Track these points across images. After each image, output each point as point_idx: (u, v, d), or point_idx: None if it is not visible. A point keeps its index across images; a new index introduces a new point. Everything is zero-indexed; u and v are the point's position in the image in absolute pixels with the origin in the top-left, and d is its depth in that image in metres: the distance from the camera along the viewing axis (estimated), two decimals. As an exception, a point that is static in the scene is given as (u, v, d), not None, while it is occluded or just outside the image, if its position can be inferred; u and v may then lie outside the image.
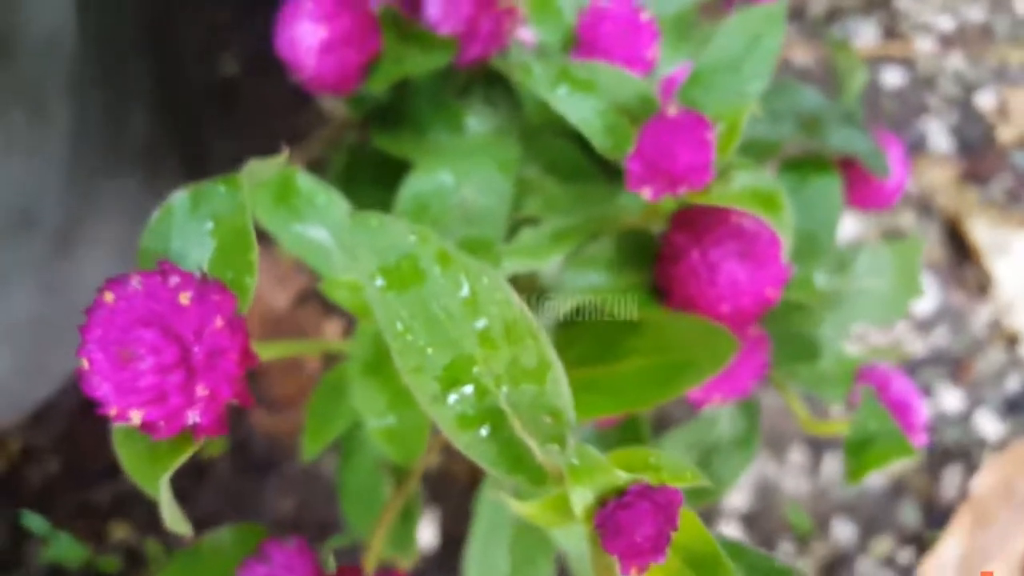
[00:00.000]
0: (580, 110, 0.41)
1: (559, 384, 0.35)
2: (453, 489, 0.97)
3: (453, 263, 0.34)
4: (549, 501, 0.33)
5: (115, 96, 0.82)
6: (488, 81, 0.55)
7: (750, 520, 1.05)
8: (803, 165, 0.56)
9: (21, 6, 0.62)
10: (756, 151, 0.54)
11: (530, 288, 0.57)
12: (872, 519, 1.07)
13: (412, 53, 0.51)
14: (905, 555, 1.06)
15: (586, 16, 0.46)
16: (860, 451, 0.42)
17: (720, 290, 0.43)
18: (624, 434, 0.55)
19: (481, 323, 0.34)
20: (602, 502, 0.32)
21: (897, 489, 1.09)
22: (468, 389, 0.33)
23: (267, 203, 0.49)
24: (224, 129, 1.05)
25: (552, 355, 0.34)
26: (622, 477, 0.32)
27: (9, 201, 0.72)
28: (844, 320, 0.58)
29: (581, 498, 0.31)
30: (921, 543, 1.07)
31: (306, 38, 0.50)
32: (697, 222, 0.44)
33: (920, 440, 0.44)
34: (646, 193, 0.40)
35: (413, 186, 0.51)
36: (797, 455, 1.07)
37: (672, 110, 0.40)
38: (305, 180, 0.47)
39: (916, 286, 0.62)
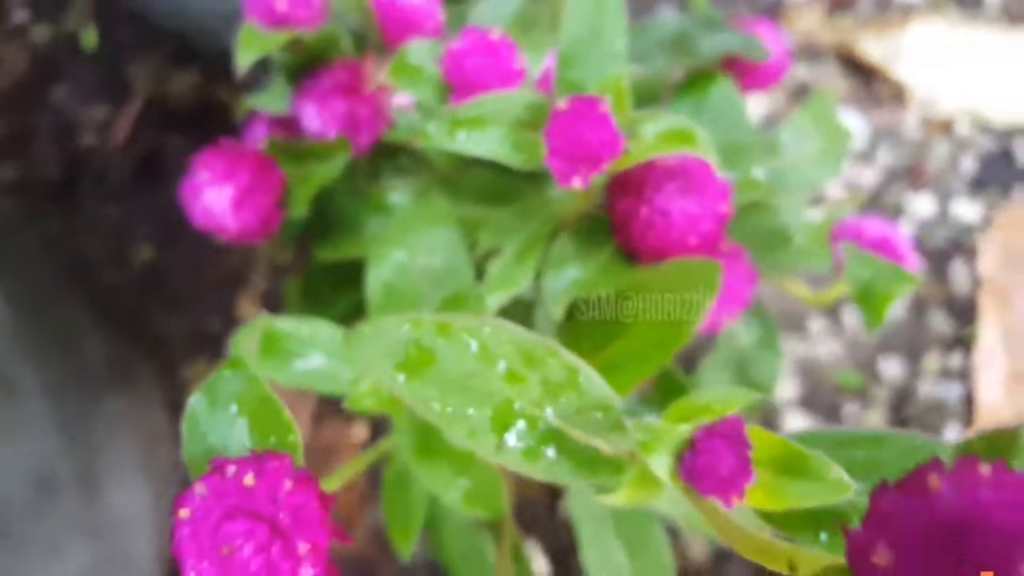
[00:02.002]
0: (484, 145, 0.44)
1: (592, 380, 0.37)
2: (538, 513, 0.99)
3: (452, 329, 0.36)
4: (636, 481, 0.35)
5: (61, 340, 0.83)
6: (390, 155, 0.58)
7: (808, 401, 1.08)
8: (694, 82, 0.59)
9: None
10: (646, 95, 0.57)
11: (521, 306, 0.59)
12: (910, 344, 1.11)
13: (313, 168, 0.54)
14: (955, 360, 1.10)
15: (446, 62, 0.48)
16: (867, 299, 0.45)
17: (679, 228, 0.46)
18: (663, 388, 0.57)
19: (502, 366, 0.36)
20: (679, 458, 0.34)
21: (918, 307, 1.12)
22: (520, 425, 0.35)
23: (256, 358, 0.51)
24: (170, 309, 1.07)
25: (573, 359, 0.37)
26: (685, 430, 0.34)
27: (26, 476, 0.73)
28: (795, 195, 0.62)
29: (661, 465, 0.34)
30: (963, 342, 1.10)
31: (217, 203, 0.52)
32: (631, 183, 0.46)
33: (912, 264, 0.47)
34: (577, 183, 0.43)
35: (374, 278, 0.53)
36: (817, 325, 1.10)
37: (561, 103, 0.43)
38: (285, 323, 0.49)
39: (841, 133, 0.65)
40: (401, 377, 0.35)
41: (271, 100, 0.58)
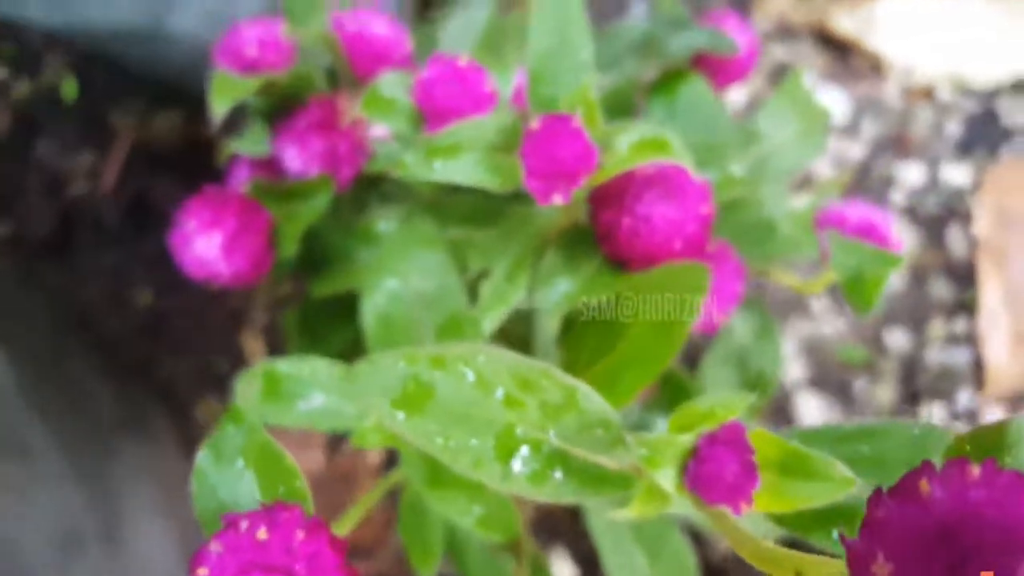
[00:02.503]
0: (461, 172, 0.44)
1: (590, 397, 0.37)
2: (562, 520, 0.99)
3: (447, 361, 0.36)
4: (644, 495, 0.35)
5: (70, 394, 0.84)
6: (373, 185, 0.58)
7: (818, 381, 1.09)
8: (666, 83, 0.59)
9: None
10: (620, 101, 0.57)
11: (519, 322, 0.60)
12: (913, 314, 1.11)
13: (298, 207, 0.54)
14: (960, 325, 1.10)
15: (417, 92, 0.49)
16: (855, 286, 0.45)
17: (663, 234, 0.46)
18: (669, 391, 0.58)
19: (499, 393, 0.36)
20: (683, 468, 0.35)
21: (917, 276, 1.12)
22: (524, 450, 0.36)
23: (259, 402, 0.51)
24: (175, 352, 1.07)
25: (568, 379, 0.37)
26: (687, 440, 0.34)
27: (50, 533, 0.74)
28: (779, 181, 0.62)
29: (666, 478, 0.34)
30: (965, 306, 1.10)
31: (207, 251, 0.53)
32: (612, 194, 0.47)
33: (898, 247, 0.47)
34: (557, 200, 0.43)
35: (369, 308, 0.53)
36: (819, 304, 1.11)
37: (533, 123, 0.43)
38: (285, 365, 0.49)
39: (819, 112, 0.66)
40: (401, 415, 0.35)
41: (251, 143, 0.59)
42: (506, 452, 0.35)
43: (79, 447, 0.81)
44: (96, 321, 1.07)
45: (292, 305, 1.02)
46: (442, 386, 0.36)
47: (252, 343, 1.08)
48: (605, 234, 0.48)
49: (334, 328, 0.63)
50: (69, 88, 1.15)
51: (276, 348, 1.05)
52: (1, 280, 1.01)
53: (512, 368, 0.36)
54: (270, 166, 0.59)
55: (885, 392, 1.10)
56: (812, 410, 1.08)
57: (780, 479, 0.33)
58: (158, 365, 1.06)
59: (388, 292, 0.54)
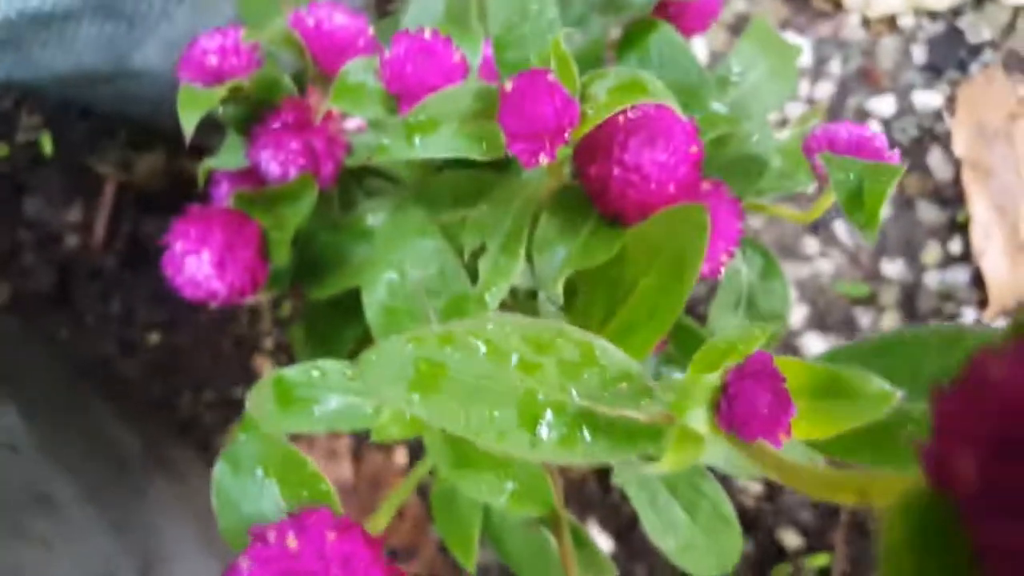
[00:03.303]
0: (441, 145, 0.43)
1: (607, 351, 0.36)
2: (592, 492, 0.98)
3: (456, 336, 0.35)
4: (677, 443, 0.34)
5: (89, 442, 0.83)
6: (358, 179, 0.57)
7: (820, 322, 1.08)
8: (634, 36, 0.58)
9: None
10: (589, 61, 0.56)
11: (525, 296, 0.59)
12: (907, 241, 1.10)
13: (284, 212, 0.53)
14: (955, 246, 1.09)
15: (386, 73, 0.48)
16: (857, 203, 0.44)
17: (656, 180, 0.45)
18: (682, 343, 0.57)
19: (514, 359, 0.35)
20: (715, 408, 0.34)
21: (905, 203, 1.11)
22: (548, 415, 0.35)
23: (274, 413, 0.50)
24: (190, 385, 1.07)
25: (582, 334, 0.36)
26: (714, 378, 0.33)
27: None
28: (758, 120, 0.61)
29: (698, 419, 0.33)
30: (957, 226, 1.09)
31: (199, 270, 0.52)
32: (597, 147, 0.46)
33: (893, 157, 0.46)
34: (544, 161, 0.42)
35: (371, 303, 0.52)
36: (811, 246, 1.10)
37: (507, 84, 0.42)
38: (293, 371, 0.48)
39: (788, 48, 0.65)
40: (416, 397, 0.34)
41: (229, 157, 0.58)
42: (530, 419, 0.35)
43: (106, 494, 0.80)
44: (108, 367, 1.07)
45: (298, 321, 1.02)
46: (454, 362, 0.35)
47: (265, 365, 1.08)
48: (597, 190, 0.47)
49: (341, 331, 0.62)
50: (46, 143, 1.14)
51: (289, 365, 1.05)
52: (8, 340, 1.00)
53: (524, 331, 0.35)
54: (251, 176, 0.58)
55: (890, 322, 1.10)
56: (820, 350, 1.08)
57: (815, 403, 0.33)
58: (176, 401, 1.06)
59: (388, 285, 0.53)
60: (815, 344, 1.07)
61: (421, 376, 0.35)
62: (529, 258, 0.50)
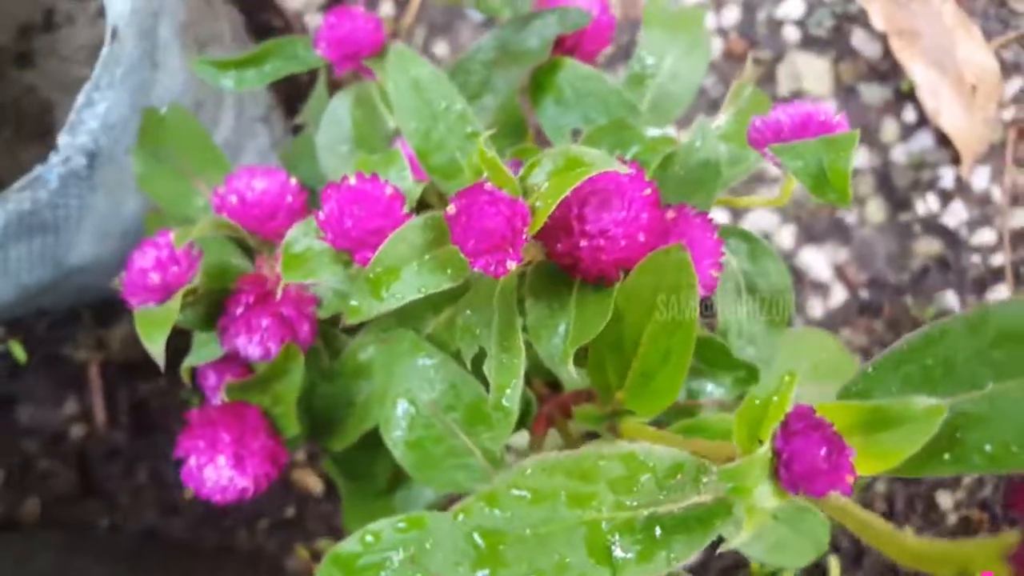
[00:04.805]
0: (410, 287, 0.43)
1: (649, 452, 0.36)
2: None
3: (498, 495, 0.35)
4: (750, 518, 0.34)
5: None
6: (334, 322, 0.56)
7: (807, 233, 1.08)
8: (541, 78, 0.58)
9: None
10: (510, 123, 0.55)
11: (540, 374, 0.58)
12: (864, 127, 1.11)
13: (278, 388, 0.53)
14: (909, 114, 1.10)
15: (329, 235, 0.46)
16: (822, 184, 0.43)
17: (624, 235, 0.44)
18: (701, 355, 0.56)
19: (563, 497, 0.35)
20: (775, 473, 0.33)
21: (847, 91, 1.11)
22: (617, 538, 0.34)
23: None
24: (242, 520, 1.07)
25: (619, 446, 0.35)
26: (764, 450, 0.33)
27: None
28: (685, 97, 0.61)
29: (764, 496, 0.33)
30: (904, 94, 1.10)
31: (220, 477, 0.51)
32: (555, 226, 0.45)
33: (842, 127, 0.46)
34: (512, 266, 0.41)
35: (394, 441, 0.53)
36: (775, 169, 1.09)
37: (450, 209, 0.41)
38: (347, 544, 0.47)
39: (692, 18, 0.64)
40: (485, 573, 0.34)
41: (206, 351, 0.57)
42: (602, 550, 0.34)
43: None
44: (162, 529, 1.07)
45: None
46: (507, 522, 0.34)
47: (308, 479, 1.08)
48: (570, 264, 0.46)
49: (371, 467, 0.61)
50: (17, 351, 1.13)
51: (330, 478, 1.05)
52: (60, 557, 1.00)
53: (565, 467, 0.35)
54: (235, 360, 0.57)
55: (875, 211, 1.09)
56: (819, 266, 1.07)
57: (869, 439, 0.32)
58: (235, 541, 1.05)
59: (402, 417, 0.53)
60: (814, 258, 1.07)
61: (481, 552, 0.34)
62: (528, 344, 0.49)
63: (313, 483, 1.07)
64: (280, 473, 0.53)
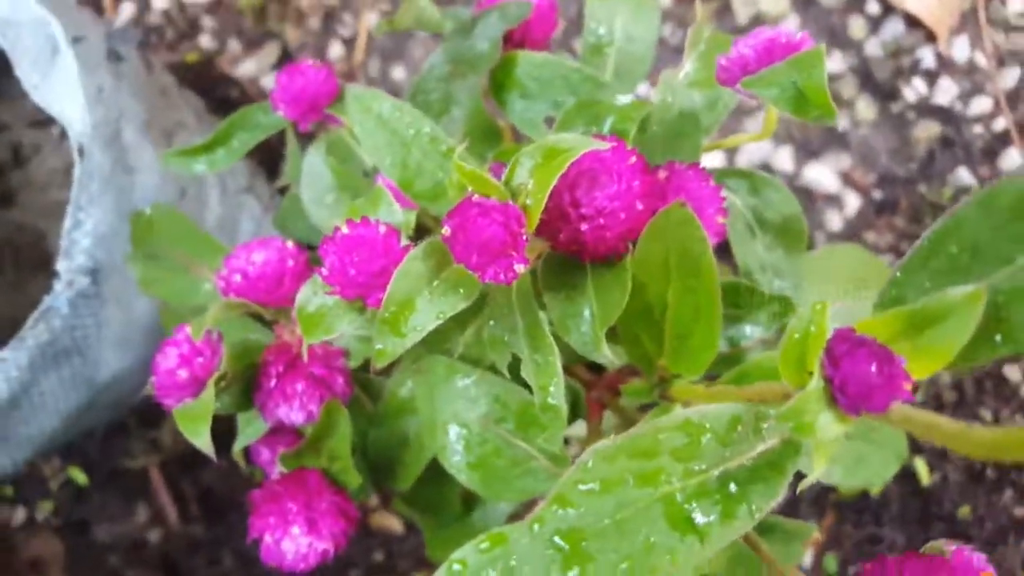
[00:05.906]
0: (429, 316, 0.43)
1: (705, 413, 0.36)
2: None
3: (565, 494, 0.34)
4: (819, 451, 0.33)
5: None
6: (366, 367, 0.56)
7: (805, 148, 1.07)
8: (499, 77, 0.57)
9: None
10: (481, 129, 0.55)
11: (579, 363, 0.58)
12: (830, 33, 1.09)
13: (329, 445, 0.53)
14: (872, 8, 1.09)
15: (337, 288, 0.47)
16: (802, 105, 0.42)
17: (621, 209, 0.44)
18: (732, 300, 0.56)
19: (630, 480, 0.34)
20: (832, 401, 0.33)
21: (803, 6, 1.10)
22: (694, 505, 0.34)
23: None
24: (331, 572, 1.07)
25: (676, 416, 0.35)
26: (816, 385, 0.32)
27: None
28: (646, 58, 0.60)
29: (827, 424, 0.32)
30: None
31: (299, 547, 0.51)
32: (552, 218, 0.44)
33: (807, 43, 0.45)
34: (520, 269, 0.41)
35: (456, 468, 0.52)
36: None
37: (444, 230, 0.41)
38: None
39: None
40: (576, 572, 0.33)
41: (252, 429, 0.57)
42: (683, 520, 0.34)
43: None
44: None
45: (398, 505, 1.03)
46: (582, 518, 0.34)
47: (387, 521, 1.09)
48: (576, 250, 0.46)
49: (442, 493, 0.61)
50: (77, 476, 1.15)
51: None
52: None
53: (623, 449, 0.34)
54: (282, 430, 0.57)
55: (865, 110, 1.08)
56: (826, 179, 1.07)
57: (916, 342, 0.31)
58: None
59: (456, 441, 0.53)
60: (818, 173, 1.06)
61: (566, 553, 0.34)
62: (558, 336, 0.49)
63: (393, 524, 1.08)
64: (357, 525, 0.53)
